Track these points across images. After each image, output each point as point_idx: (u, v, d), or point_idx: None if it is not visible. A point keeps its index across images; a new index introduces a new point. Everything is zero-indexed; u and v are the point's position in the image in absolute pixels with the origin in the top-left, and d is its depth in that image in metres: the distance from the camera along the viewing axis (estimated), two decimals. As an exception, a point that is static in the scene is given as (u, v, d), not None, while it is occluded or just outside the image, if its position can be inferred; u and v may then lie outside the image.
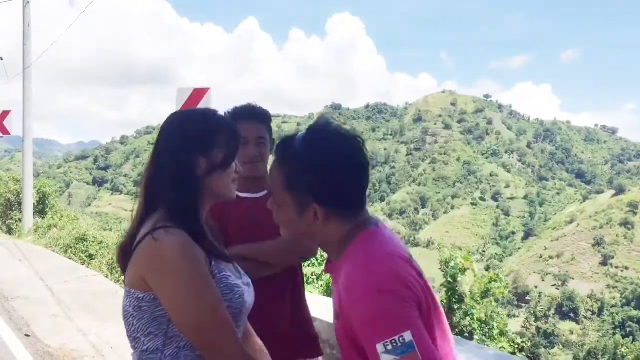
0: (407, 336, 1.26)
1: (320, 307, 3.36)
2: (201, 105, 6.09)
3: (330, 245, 1.51)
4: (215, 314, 1.47)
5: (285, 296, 2.45)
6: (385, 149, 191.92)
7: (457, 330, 8.67)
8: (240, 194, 2.50)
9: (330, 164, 1.42)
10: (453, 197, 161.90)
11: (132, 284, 1.52)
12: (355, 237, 1.44)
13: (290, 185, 1.46)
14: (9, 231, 14.43)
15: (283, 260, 2.43)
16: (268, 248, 2.39)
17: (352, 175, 1.45)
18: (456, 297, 8.96)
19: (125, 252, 1.56)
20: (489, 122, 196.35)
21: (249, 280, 1.71)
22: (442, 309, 1.48)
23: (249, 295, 1.63)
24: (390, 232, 1.50)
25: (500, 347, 8.81)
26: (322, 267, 10.29)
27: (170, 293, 1.45)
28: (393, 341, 1.25)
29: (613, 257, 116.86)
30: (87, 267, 9.98)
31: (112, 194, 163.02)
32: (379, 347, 1.26)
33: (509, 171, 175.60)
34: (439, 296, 9.34)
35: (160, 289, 1.46)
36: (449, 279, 8.93)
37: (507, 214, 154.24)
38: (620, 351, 49.30)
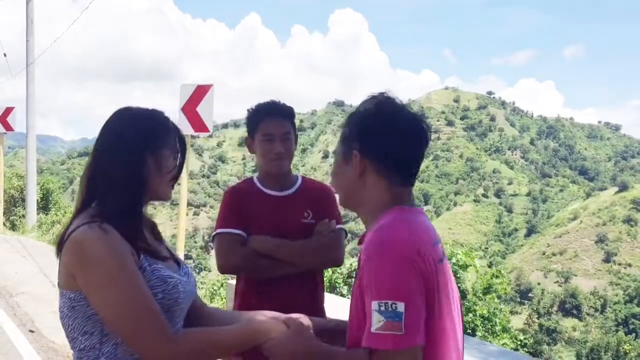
0: (400, 307, 1.33)
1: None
2: (205, 101, 6.09)
3: (368, 211, 1.57)
4: (135, 305, 1.45)
5: (302, 296, 2.44)
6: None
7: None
8: (267, 191, 2.53)
9: (384, 123, 1.52)
10: (456, 193, 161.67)
11: (63, 284, 1.51)
12: (392, 208, 1.52)
13: (343, 139, 1.59)
14: (13, 227, 14.47)
15: (306, 262, 2.42)
16: (294, 247, 2.38)
17: (401, 138, 1.52)
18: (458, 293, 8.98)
19: (58, 251, 1.54)
20: (492, 119, 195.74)
21: (190, 271, 1.69)
22: (455, 310, 1.52)
23: (186, 286, 1.61)
24: (425, 219, 1.56)
25: (502, 344, 8.82)
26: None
27: (90, 286, 1.45)
28: (386, 304, 1.33)
29: (616, 254, 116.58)
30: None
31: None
32: (374, 305, 1.34)
33: (512, 168, 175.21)
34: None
35: (84, 283, 1.46)
36: (451, 276, 8.94)
37: (510, 211, 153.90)
38: (622, 348, 49.30)
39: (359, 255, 1.54)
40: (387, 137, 1.52)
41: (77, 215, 1.54)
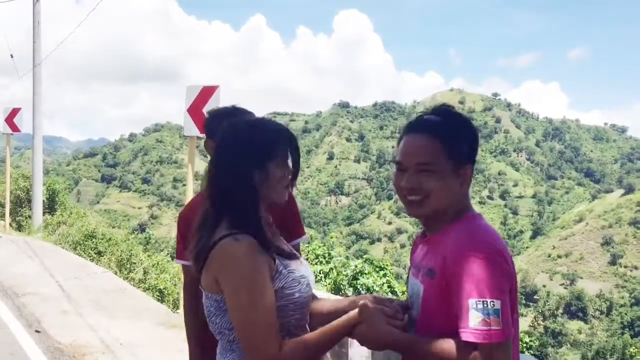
0: (497, 304, 1.48)
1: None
2: (210, 103, 6.09)
3: (447, 217, 1.68)
4: (263, 318, 1.62)
5: None
6: (392, 147, 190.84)
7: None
8: None
9: (472, 131, 1.71)
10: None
11: (209, 287, 1.72)
12: (466, 213, 1.69)
13: (451, 153, 1.65)
14: (19, 228, 14.52)
15: None
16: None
17: (477, 146, 1.73)
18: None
19: (200, 258, 1.73)
20: (498, 121, 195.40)
21: (306, 262, 1.88)
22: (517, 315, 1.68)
23: (310, 277, 1.82)
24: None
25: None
26: (330, 265, 10.28)
27: (230, 290, 1.65)
28: (485, 302, 1.48)
29: (622, 257, 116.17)
30: (96, 263, 10.05)
31: (120, 191, 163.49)
32: (471, 302, 1.49)
33: (517, 170, 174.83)
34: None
35: (225, 287, 1.66)
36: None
37: (515, 213, 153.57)
38: (628, 351, 48.98)
39: (421, 252, 1.73)
40: (476, 146, 1.72)
41: (215, 228, 1.71)
